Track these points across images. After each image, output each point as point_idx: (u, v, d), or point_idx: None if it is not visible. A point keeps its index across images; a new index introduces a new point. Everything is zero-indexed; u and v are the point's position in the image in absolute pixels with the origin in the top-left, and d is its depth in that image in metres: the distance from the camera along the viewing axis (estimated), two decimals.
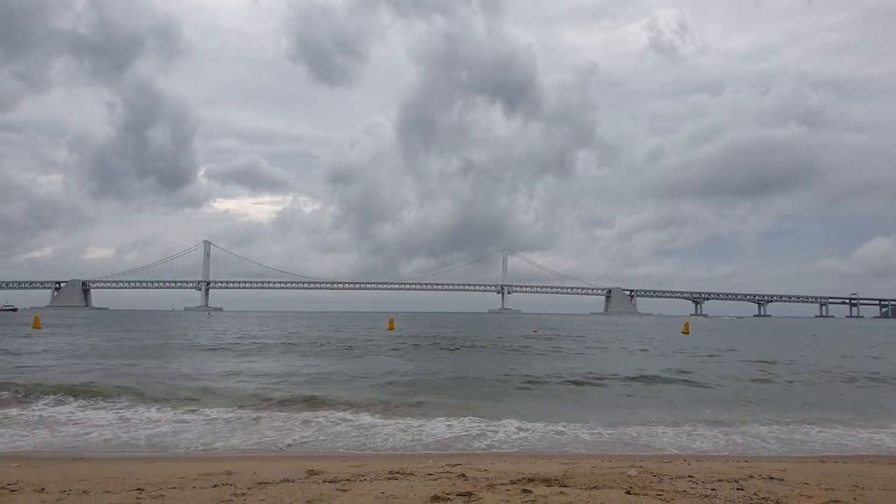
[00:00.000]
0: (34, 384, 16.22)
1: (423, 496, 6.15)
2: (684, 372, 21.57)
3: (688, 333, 54.93)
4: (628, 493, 6.34)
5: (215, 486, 6.64)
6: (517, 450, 10.41)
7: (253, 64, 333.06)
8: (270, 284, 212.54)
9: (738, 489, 6.55)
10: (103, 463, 8.60)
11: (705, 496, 6.27)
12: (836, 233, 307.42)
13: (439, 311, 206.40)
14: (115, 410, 13.59)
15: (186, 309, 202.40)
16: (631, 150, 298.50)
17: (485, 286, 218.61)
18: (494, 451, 10.37)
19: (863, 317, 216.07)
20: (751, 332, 69.26)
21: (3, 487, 6.55)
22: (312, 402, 14.51)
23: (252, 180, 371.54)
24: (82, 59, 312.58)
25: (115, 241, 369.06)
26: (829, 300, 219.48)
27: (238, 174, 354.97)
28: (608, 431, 11.83)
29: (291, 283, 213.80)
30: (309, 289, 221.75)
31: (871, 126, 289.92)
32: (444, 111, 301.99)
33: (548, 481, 6.82)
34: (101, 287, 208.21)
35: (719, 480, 6.96)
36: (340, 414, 13.37)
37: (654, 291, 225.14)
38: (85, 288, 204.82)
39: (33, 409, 13.61)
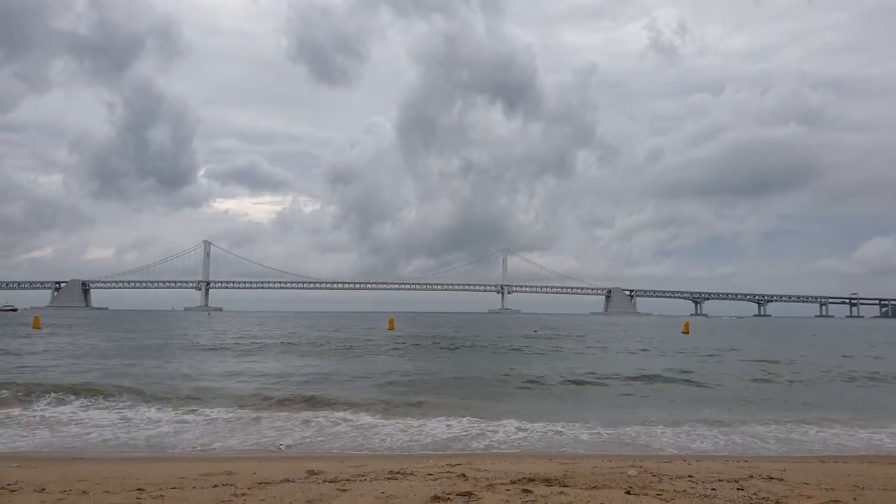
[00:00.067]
0: (34, 384, 16.21)
1: (424, 496, 6.15)
2: (684, 372, 21.57)
3: (688, 333, 54.94)
4: (628, 493, 6.34)
5: (215, 486, 6.64)
6: (517, 450, 10.41)
7: (253, 64, 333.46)
8: (270, 284, 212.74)
9: (738, 489, 6.55)
10: (103, 463, 8.60)
11: (705, 496, 6.27)
12: (836, 233, 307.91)
13: (439, 311, 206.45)
14: (116, 410, 13.59)
15: (186, 309, 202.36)
16: (631, 150, 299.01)
17: (485, 286, 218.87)
18: (494, 451, 10.37)
19: (863, 317, 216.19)
20: (751, 332, 69.27)
21: (3, 487, 6.55)
22: (312, 402, 14.51)
23: (252, 180, 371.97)
24: (82, 60, 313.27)
25: (115, 242, 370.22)
26: (829, 300, 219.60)
27: (238, 174, 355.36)
28: (608, 431, 11.83)
29: (291, 283, 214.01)
30: (309, 289, 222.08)
31: (871, 126, 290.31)
32: (444, 111, 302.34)
33: (548, 481, 6.82)
34: (101, 287, 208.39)
35: (719, 480, 6.96)
36: (340, 414, 13.38)
37: (654, 291, 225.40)
38: (85, 288, 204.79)
39: (33, 410, 13.61)
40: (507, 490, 6.41)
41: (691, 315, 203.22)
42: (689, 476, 7.18)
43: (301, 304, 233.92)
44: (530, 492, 6.34)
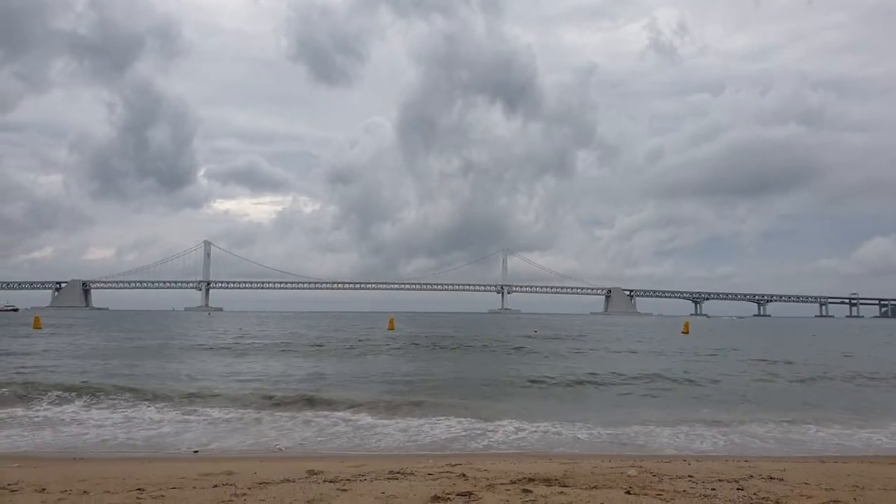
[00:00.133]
0: (35, 384, 16.21)
1: (424, 496, 6.16)
2: (684, 372, 21.57)
3: (688, 333, 54.94)
4: (628, 493, 6.34)
5: (215, 486, 6.65)
6: (517, 450, 10.42)
7: (253, 64, 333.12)
8: (270, 285, 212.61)
9: (738, 489, 6.55)
10: (104, 463, 8.61)
11: (705, 496, 6.27)
12: (836, 233, 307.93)
13: (439, 311, 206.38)
14: (116, 411, 13.60)
15: (187, 309, 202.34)
16: (631, 150, 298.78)
17: (485, 286, 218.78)
18: (494, 451, 10.38)
19: (863, 317, 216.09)
20: (751, 332, 69.26)
21: (3, 487, 6.56)
22: (312, 403, 14.52)
23: (252, 180, 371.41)
24: (82, 60, 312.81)
25: (115, 242, 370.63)
26: (829, 300, 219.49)
27: (238, 174, 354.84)
28: (608, 431, 11.83)
29: (291, 283, 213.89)
30: (309, 289, 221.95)
31: (871, 126, 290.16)
32: (444, 111, 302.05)
33: (548, 481, 6.83)
34: (102, 287, 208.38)
35: (719, 480, 6.97)
36: (340, 414, 13.39)
37: (654, 291, 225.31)
38: (85, 288, 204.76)
39: (34, 410, 13.62)
40: (507, 490, 6.42)
41: (691, 315, 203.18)
42: (689, 476, 7.18)
43: (301, 304, 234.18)
44: (530, 492, 6.34)
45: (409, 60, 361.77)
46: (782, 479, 7.07)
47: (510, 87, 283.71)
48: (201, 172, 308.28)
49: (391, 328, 59.36)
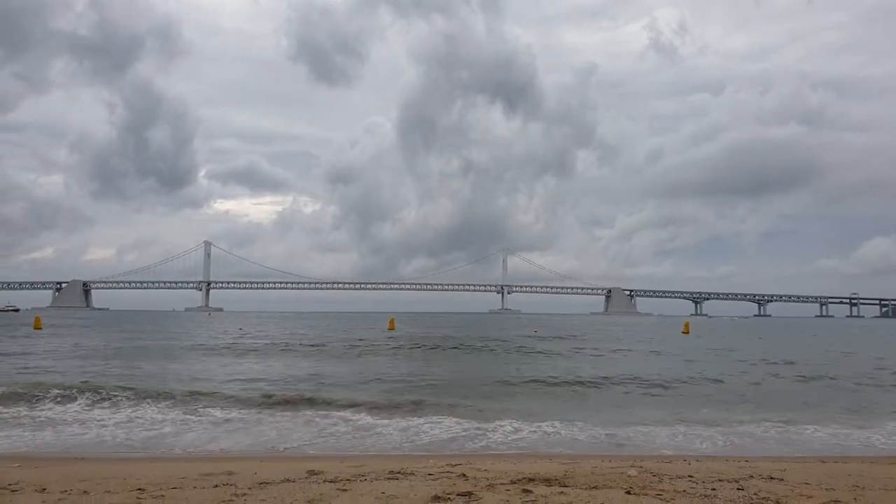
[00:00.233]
0: (36, 384, 16.23)
1: (424, 496, 6.16)
2: (684, 372, 21.58)
3: (688, 333, 54.95)
4: (628, 493, 6.35)
5: (216, 486, 6.65)
6: (517, 450, 10.42)
7: (253, 64, 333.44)
8: (271, 285, 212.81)
9: (738, 489, 6.55)
10: (104, 463, 8.62)
11: (705, 496, 6.27)
12: (836, 233, 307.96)
13: (439, 312, 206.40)
14: (117, 411, 13.61)
15: (187, 309, 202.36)
16: (631, 150, 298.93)
17: (485, 286, 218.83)
18: (494, 451, 10.38)
19: (863, 317, 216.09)
20: (751, 332, 69.25)
21: (4, 488, 6.56)
22: (313, 403, 14.53)
23: (252, 181, 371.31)
24: (82, 60, 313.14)
25: (115, 242, 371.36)
26: (830, 300, 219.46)
27: (238, 174, 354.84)
28: (608, 431, 11.83)
29: (292, 283, 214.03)
30: (309, 289, 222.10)
31: (871, 126, 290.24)
32: (444, 111, 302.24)
33: (548, 481, 6.83)
34: (102, 287, 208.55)
35: (719, 480, 6.97)
36: (341, 414, 13.39)
37: (654, 291, 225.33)
38: (86, 288, 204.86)
39: (35, 410, 13.62)
40: (508, 490, 6.42)
41: (691, 315, 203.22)
42: (690, 476, 7.18)
43: (301, 304, 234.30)
44: (530, 492, 6.34)
45: (409, 60, 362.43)
46: (783, 479, 7.07)
47: (510, 87, 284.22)
48: (201, 172, 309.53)
49: (391, 328, 59.37)
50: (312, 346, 34.85)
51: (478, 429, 11.87)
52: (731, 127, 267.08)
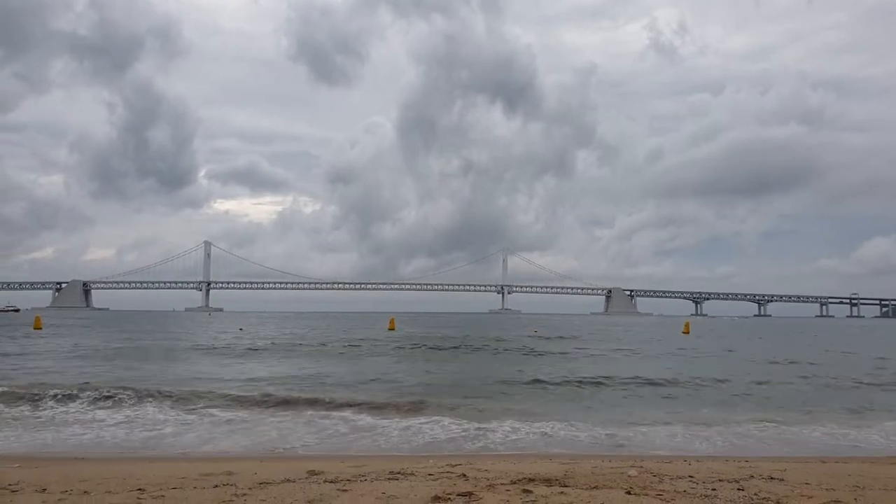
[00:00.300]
0: (36, 384, 16.25)
1: (424, 496, 6.16)
2: (685, 372, 21.57)
3: (688, 333, 54.95)
4: (629, 493, 6.34)
5: (216, 486, 6.65)
6: (517, 450, 10.41)
7: (253, 64, 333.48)
8: (271, 285, 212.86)
9: (738, 489, 6.55)
10: (104, 463, 8.61)
11: (706, 496, 6.27)
12: (836, 233, 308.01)
13: (439, 312, 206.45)
14: (117, 411, 13.61)
15: (187, 309, 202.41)
16: (631, 150, 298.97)
17: (485, 286, 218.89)
18: (494, 451, 10.38)
19: (863, 316, 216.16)
20: (751, 332, 69.25)
21: (4, 488, 6.56)
22: (313, 403, 14.52)
23: (252, 181, 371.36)
24: (82, 60, 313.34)
25: (115, 242, 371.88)
26: (830, 300, 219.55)
27: (238, 174, 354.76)
28: (608, 431, 11.83)
29: (292, 283, 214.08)
30: (309, 289, 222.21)
31: (871, 126, 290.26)
32: (444, 111, 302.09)
33: (548, 481, 6.83)
34: (102, 288, 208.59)
35: (720, 480, 6.96)
36: (341, 414, 13.39)
37: (654, 291, 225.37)
38: (86, 288, 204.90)
39: (35, 410, 13.63)
40: (508, 490, 6.42)
41: (691, 315, 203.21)
42: (690, 476, 7.18)
43: (301, 304, 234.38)
44: (531, 492, 6.34)
45: (409, 60, 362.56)
46: (783, 480, 7.07)
47: (510, 87, 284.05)
48: (201, 173, 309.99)
49: (391, 328, 59.38)
50: (312, 346, 34.86)
51: (478, 429, 11.87)
52: (731, 127, 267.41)
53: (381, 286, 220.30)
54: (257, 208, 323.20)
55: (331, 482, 6.82)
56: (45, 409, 13.69)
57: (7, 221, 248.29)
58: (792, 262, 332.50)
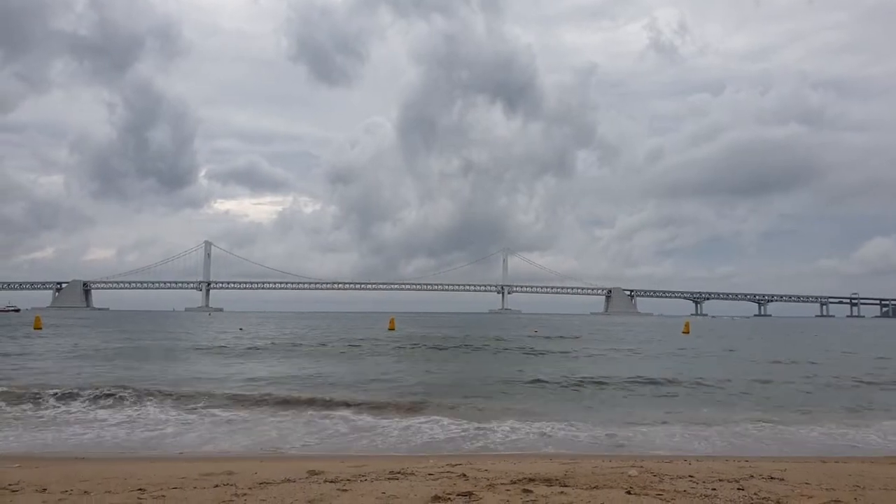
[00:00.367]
0: (36, 384, 16.25)
1: (424, 496, 6.16)
2: (685, 372, 21.56)
3: (688, 333, 54.96)
4: (629, 492, 6.34)
5: (216, 486, 6.65)
6: (517, 450, 10.41)
7: (253, 64, 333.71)
8: (271, 285, 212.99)
9: (738, 489, 6.55)
10: (105, 463, 8.61)
11: (706, 496, 6.27)
12: (836, 233, 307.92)
13: (440, 312, 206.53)
14: (118, 411, 13.61)
15: (187, 309, 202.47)
16: (631, 150, 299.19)
17: (485, 286, 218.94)
18: (494, 451, 10.38)
19: (863, 316, 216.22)
20: (751, 332, 69.25)
21: (4, 488, 6.56)
22: (313, 403, 14.53)
23: (252, 181, 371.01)
24: (82, 60, 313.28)
25: (115, 242, 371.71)
26: (830, 300, 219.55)
27: (238, 174, 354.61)
28: (608, 431, 11.83)
29: (292, 283, 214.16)
30: (309, 289, 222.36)
31: (871, 126, 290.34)
32: (444, 111, 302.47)
33: (548, 481, 6.83)
34: (102, 288, 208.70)
35: (720, 480, 6.97)
36: (341, 414, 13.39)
37: (655, 291, 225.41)
38: (86, 288, 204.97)
39: (35, 410, 13.63)
40: (508, 490, 6.42)
41: (692, 315, 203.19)
42: (690, 476, 7.18)
43: (302, 304, 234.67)
44: (531, 492, 6.34)
45: (409, 60, 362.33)
46: (783, 479, 7.07)
47: (510, 87, 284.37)
48: (202, 173, 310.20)
49: (391, 328, 59.38)
50: (313, 346, 34.86)
51: (478, 429, 11.87)
52: (731, 127, 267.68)
53: (381, 286, 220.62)
54: (257, 208, 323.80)
55: (331, 482, 6.82)
56: (45, 409, 13.69)
57: (7, 221, 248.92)
58: (792, 262, 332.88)
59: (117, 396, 14.89)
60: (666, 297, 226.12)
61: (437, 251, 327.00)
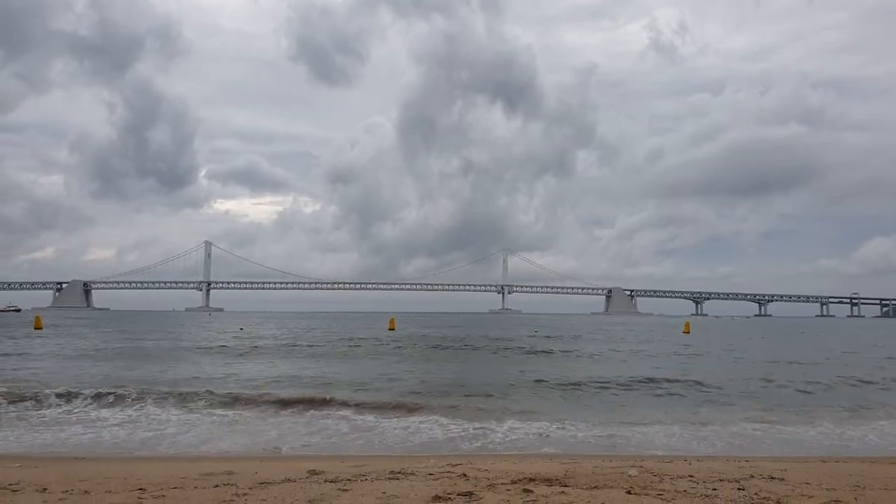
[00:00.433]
0: (36, 384, 16.25)
1: (425, 496, 6.16)
2: (684, 372, 21.56)
3: (688, 333, 54.96)
4: (629, 492, 6.35)
5: (216, 486, 6.66)
6: (518, 450, 10.41)
7: (253, 64, 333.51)
8: (271, 285, 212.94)
9: (738, 489, 6.55)
10: (105, 463, 8.62)
11: (706, 496, 6.27)
12: (836, 233, 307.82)
13: (440, 311, 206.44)
14: (117, 411, 13.61)
15: (187, 309, 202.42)
16: (631, 150, 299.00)
17: (485, 286, 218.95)
18: (495, 450, 10.38)
19: (864, 316, 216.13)
20: (751, 332, 69.23)
21: (4, 488, 6.56)
22: (313, 403, 14.52)
23: (252, 181, 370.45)
24: (82, 60, 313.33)
25: (115, 242, 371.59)
26: (830, 300, 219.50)
27: (238, 174, 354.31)
28: (609, 431, 11.83)
29: (292, 283, 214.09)
30: (310, 289, 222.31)
31: (871, 126, 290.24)
32: (444, 111, 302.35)
33: (548, 481, 6.83)
34: (103, 288, 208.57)
35: (720, 480, 6.97)
36: (341, 413, 13.40)
37: (655, 291, 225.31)
38: (86, 288, 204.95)
39: (35, 410, 13.63)
40: (508, 490, 6.42)
41: (692, 315, 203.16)
42: (690, 476, 7.18)
43: (302, 304, 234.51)
44: (531, 492, 6.34)
45: (409, 60, 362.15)
46: (783, 479, 7.07)
47: (510, 87, 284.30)
48: (202, 173, 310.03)
49: (392, 328, 59.38)
50: (313, 346, 34.86)
51: (478, 429, 11.87)
52: (731, 127, 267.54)
53: (381, 286, 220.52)
54: (257, 208, 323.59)
55: (331, 482, 6.82)
56: (45, 409, 13.69)
57: (7, 221, 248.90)
58: (792, 262, 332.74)
59: (117, 396, 14.89)
60: (666, 297, 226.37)
61: (437, 251, 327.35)
